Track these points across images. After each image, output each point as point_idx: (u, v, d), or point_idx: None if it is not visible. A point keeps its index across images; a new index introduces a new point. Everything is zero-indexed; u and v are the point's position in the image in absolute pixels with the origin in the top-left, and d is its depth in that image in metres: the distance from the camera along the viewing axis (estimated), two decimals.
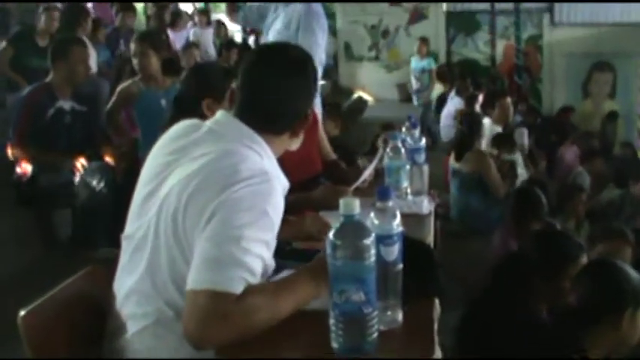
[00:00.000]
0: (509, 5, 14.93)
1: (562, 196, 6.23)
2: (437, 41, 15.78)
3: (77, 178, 4.87)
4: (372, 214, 1.87)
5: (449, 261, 4.86)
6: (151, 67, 5.32)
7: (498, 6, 15.05)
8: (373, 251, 1.73)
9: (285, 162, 3.30)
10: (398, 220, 1.87)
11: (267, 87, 2.12)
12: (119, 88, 5.60)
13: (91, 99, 5.49)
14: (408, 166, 3.21)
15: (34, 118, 5.02)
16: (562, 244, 3.25)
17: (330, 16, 16.03)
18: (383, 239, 1.84)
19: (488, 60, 15.37)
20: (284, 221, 2.03)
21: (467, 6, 15.64)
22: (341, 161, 3.93)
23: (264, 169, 1.99)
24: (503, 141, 6.90)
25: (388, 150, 3.18)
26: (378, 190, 1.88)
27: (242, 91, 2.14)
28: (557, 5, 15.10)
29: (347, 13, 15.96)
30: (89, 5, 9.93)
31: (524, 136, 7.33)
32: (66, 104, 5.14)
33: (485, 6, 15.26)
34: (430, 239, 2.84)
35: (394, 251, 1.86)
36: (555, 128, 10.64)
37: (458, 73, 12.08)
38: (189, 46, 9.10)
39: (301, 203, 3.07)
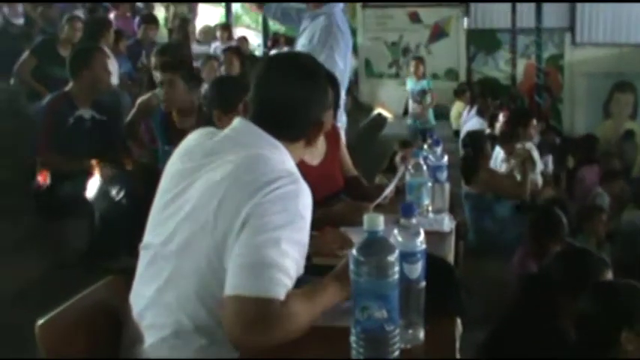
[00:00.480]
0: (531, 24, 14.91)
1: (582, 216, 6.19)
2: (457, 59, 15.81)
3: (96, 186, 4.84)
4: (395, 231, 1.85)
5: (468, 280, 4.85)
6: (176, 95, 5.14)
7: (519, 25, 15.03)
8: (397, 268, 1.71)
9: (307, 177, 3.32)
10: (422, 237, 1.85)
11: (280, 94, 2.12)
12: (139, 100, 5.61)
13: (112, 109, 5.50)
14: (429, 184, 3.18)
15: (55, 126, 5.04)
16: (586, 261, 3.21)
17: (352, 31, 16.07)
18: (406, 256, 1.82)
19: (509, 79, 15.33)
20: None
21: (488, 24, 15.64)
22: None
23: (290, 170, 2.01)
24: (515, 130, 6.89)
25: (410, 167, 3.16)
26: (402, 207, 1.86)
27: (255, 99, 2.15)
28: (578, 25, 15.08)
29: (368, 30, 16.00)
30: (112, 17, 10.05)
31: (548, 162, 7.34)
32: (86, 113, 5.15)
33: (507, 24, 15.24)
34: (451, 257, 2.82)
35: (417, 269, 1.84)
36: (577, 149, 10.56)
37: (478, 92, 12.00)
38: (209, 58, 9.14)
39: (322, 219, 3.05)
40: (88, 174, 4.87)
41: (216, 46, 11.63)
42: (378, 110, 15.04)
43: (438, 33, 15.88)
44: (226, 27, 13.08)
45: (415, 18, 16.04)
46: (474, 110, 10.75)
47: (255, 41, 15.08)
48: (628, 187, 8.23)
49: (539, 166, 6.90)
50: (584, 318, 2.73)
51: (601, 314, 2.67)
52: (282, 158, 2.06)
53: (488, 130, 8.78)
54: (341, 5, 4.57)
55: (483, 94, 11.43)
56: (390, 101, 15.76)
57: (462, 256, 4.27)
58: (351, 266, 1.71)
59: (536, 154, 6.86)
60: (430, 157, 3.28)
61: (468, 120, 10.59)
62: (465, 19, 15.72)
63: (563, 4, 15.06)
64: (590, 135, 11.43)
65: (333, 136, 3.65)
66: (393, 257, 1.69)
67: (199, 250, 1.94)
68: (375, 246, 1.70)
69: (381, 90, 16.07)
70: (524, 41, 15.25)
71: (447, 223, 3.14)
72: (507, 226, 5.83)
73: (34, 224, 5.27)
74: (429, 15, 15.92)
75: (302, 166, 3.33)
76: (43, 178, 4.99)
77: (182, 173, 2.09)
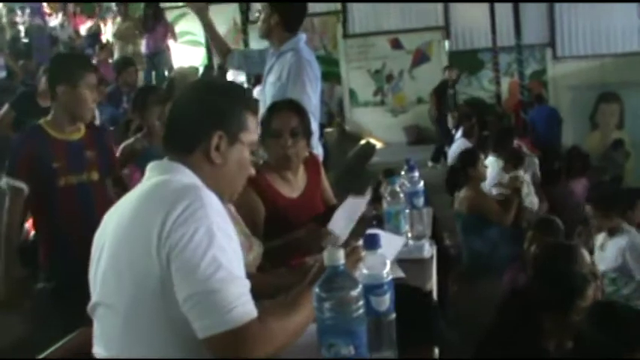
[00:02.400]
0: (512, 42, 15.04)
1: (571, 230, 6.16)
2: None
3: None
4: (360, 264, 1.82)
5: (460, 303, 4.82)
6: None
7: (500, 43, 15.14)
8: (361, 302, 1.67)
9: (287, 210, 3.30)
10: (388, 268, 1.82)
11: (176, 110, 2.14)
12: (122, 145, 5.57)
13: None
14: (407, 211, 3.16)
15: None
16: (567, 278, 3.18)
17: (334, 62, 16.22)
18: (373, 289, 1.80)
19: (494, 97, 15.43)
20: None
21: (469, 45, 15.75)
22: None
23: (183, 185, 1.93)
24: (509, 157, 6.88)
25: (386, 195, 3.14)
26: (366, 239, 1.84)
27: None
28: (558, 39, 15.21)
29: (350, 59, 16.07)
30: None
31: (535, 165, 7.31)
32: None
33: (487, 44, 15.35)
34: (432, 284, 2.78)
35: (385, 301, 1.81)
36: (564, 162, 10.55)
37: (464, 114, 12.03)
38: None
39: (286, 248, 3.10)
40: None
41: None
42: (365, 139, 15.11)
43: (420, 58, 15.96)
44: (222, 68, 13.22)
45: (396, 44, 16.13)
46: (460, 132, 10.74)
47: (239, 79, 15.10)
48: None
49: (529, 189, 6.88)
50: (584, 339, 2.70)
51: (603, 337, 2.63)
52: (178, 177, 1.99)
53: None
54: (304, 37, 4.57)
55: (468, 115, 11.44)
56: (378, 129, 15.82)
57: (452, 279, 4.25)
58: (314, 303, 1.68)
59: (531, 196, 6.85)
60: (406, 183, 3.25)
61: (455, 142, 10.58)
62: (446, 42, 15.82)
63: (542, 21, 15.21)
64: (575, 147, 11.44)
65: (313, 166, 3.64)
66: (356, 292, 1.66)
67: (123, 296, 1.89)
68: (337, 281, 1.67)
69: (367, 119, 16.10)
70: (507, 59, 15.38)
71: (427, 250, 3.12)
72: (498, 247, 5.79)
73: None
74: (410, 40, 16.01)
75: (281, 199, 3.34)
76: (27, 231, 4.91)
77: (104, 224, 2.07)
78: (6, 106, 7.18)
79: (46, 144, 3.82)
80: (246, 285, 1.84)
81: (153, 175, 2.04)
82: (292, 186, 3.46)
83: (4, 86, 8.25)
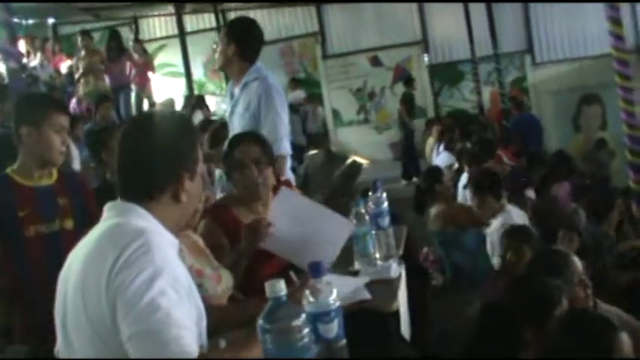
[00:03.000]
0: (490, 51, 15.13)
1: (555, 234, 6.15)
2: (424, 96, 15.96)
3: None
4: (307, 292, 1.84)
5: (446, 319, 4.81)
6: None
7: (479, 53, 15.23)
8: (306, 331, 1.68)
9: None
10: (334, 295, 1.84)
11: (130, 156, 2.09)
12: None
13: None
14: (373, 232, 3.17)
15: None
16: (541, 289, 3.18)
17: (315, 84, 16.30)
18: (320, 317, 1.81)
19: (476, 108, 15.52)
20: None
21: (448, 57, 15.85)
22: None
23: (135, 229, 1.94)
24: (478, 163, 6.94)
25: (352, 217, 3.16)
26: (310, 267, 1.85)
27: (116, 169, 2.13)
28: (536, 45, 15.36)
29: (331, 80, 16.16)
30: (72, 103, 10.15)
31: (531, 199, 7.37)
32: None
33: (466, 55, 15.43)
34: (398, 304, 2.79)
35: (334, 328, 1.82)
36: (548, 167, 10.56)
37: (445, 126, 12.07)
38: None
39: (241, 259, 3.14)
40: None
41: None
42: (352, 158, 15.16)
43: (401, 73, 16.03)
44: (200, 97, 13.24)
45: (376, 62, 16.25)
46: (442, 146, 10.77)
47: (222, 107, 15.15)
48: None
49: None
50: (556, 351, 2.70)
51: (575, 348, 2.63)
52: (133, 221, 1.99)
53: (456, 165, 8.78)
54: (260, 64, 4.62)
55: (451, 127, 11.48)
56: (363, 147, 15.87)
57: (433, 294, 4.25)
58: (259, 335, 1.69)
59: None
60: (370, 204, 3.26)
61: (437, 156, 10.61)
62: (425, 56, 15.92)
63: (519, 28, 15.34)
64: (560, 151, 11.47)
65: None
66: (298, 321, 1.67)
67: (83, 347, 1.92)
68: (279, 312, 1.68)
69: (352, 137, 16.18)
70: (486, 69, 15.49)
71: (395, 269, 3.12)
72: (478, 258, 5.78)
73: None
74: (390, 57, 16.15)
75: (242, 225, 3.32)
76: None
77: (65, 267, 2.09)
78: None
79: (10, 192, 3.50)
80: (187, 328, 1.83)
81: (110, 216, 2.05)
82: (260, 214, 3.45)
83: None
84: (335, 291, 1.85)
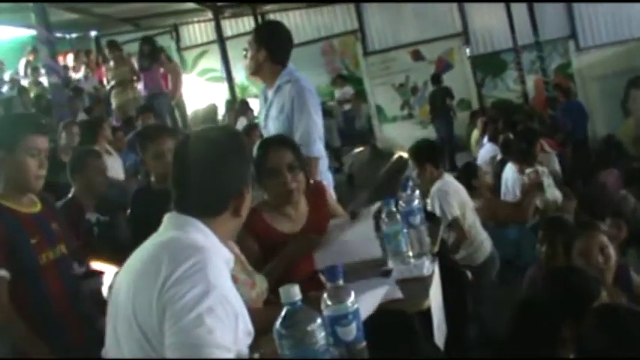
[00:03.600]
0: (532, 39, 14.94)
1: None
2: (467, 88, 15.84)
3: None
4: (325, 295, 1.84)
5: (484, 311, 4.76)
6: None
7: (521, 42, 15.06)
8: (322, 335, 1.69)
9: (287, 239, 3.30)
10: (352, 298, 1.83)
11: (191, 172, 2.13)
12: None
13: (115, 208, 5.45)
14: (405, 230, 3.15)
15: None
16: (579, 282, 3.12)
17: (357, 81, 16.29)
18: (338, 320, 1.81)
19: (521, 97, 15.31)
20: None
21: (490, 47, 15.70)
22: None
23: (195, 245, 2.00)
24: (521, 154, 6.83)
25: (383, 216, 3.14)
26: (327, 272, 1.85)
27: (173, 184, 2.18)
28: (579, 30, 15.09)
29: (373, 76, 16.12)
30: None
31: (555, 162, 7.23)
32: (92, 217, 5.03)
33: (508, 44, 15.27)
34: (429, 302, 2.77)
35: (352, 330, 1.83)
36: (597, 154, 10.39)
37: (489, 118, 11.94)
38: None
39: (282, 262, 3.15)
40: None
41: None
42: (398, 154, 15.06)
43: (443, 66, 15.94)
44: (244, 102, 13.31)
45: (418, 56, 16.17)
46: (486, 137, 10.64)
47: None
48: None
49: (549, 181, 6.77)
50: (587, 345, 2.64)
51: (605, 342, 2.57)
52: (193, 236, 2.05)
53: (499, 156, 8.67)
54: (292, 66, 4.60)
55: (494, 118, 11.35)
56: (409, 142, 15.69)
57: (467, 293, 4.20)
58: (276, 340, 1.70)
59: (552, 189, 6.76)
60: (401, 202, 3.25)
61: (481, 147, 10.48)
62: (467, 48, 15.78)
63: (561, 14, 15.08)
64: (608, 136, 11.28)
65: (316, 195, 3.61)
66: (313, 326, 1.68)
67: (130, 347, 1.97)
68: (295, 317, 1.70)
69: (397, 133, 16.08)
70: (529, 57, 15.29)
71: (427, 267, 3.08)
72: (521, 248, 5.71)
73: None
74: (431, 50, 16.04)
75: (281, 236, 3.33)
76: None
77: (127, 267, 2.13)
78: None
79: (15, 220, 3.28)
80: (226, 349, 1.86)
81: (169, 227, 2.11)
82: (293, 221, 3.44)
83: None
84: (353, 293, 1.85)
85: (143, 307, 1.91)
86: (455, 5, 15.68)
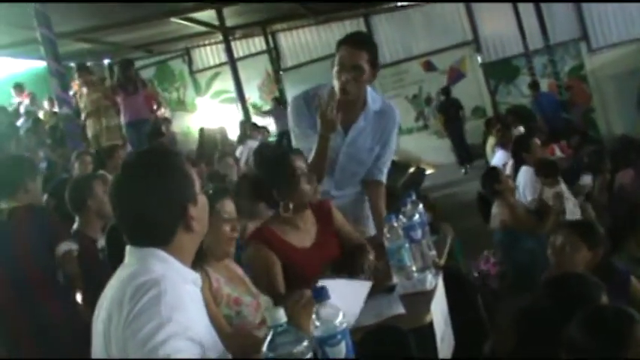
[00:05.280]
0: (543, 43, 14.92)
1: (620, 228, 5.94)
2: (481, 95, 15.82)
3: None
4: (313, 317, 1.85)
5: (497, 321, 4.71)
6: None
7: (532, 47, 15.04)
8: (309, 355, 1.71)
9: (302, 260, 3.31)
10: (340, 317, 1.84)
11: (130, 206, 2.09)
12: None
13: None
14: (407, 245, 3.15)
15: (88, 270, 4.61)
16: (578, 287, 3.09)
17: None
18: (326, 340, 1.82)
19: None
20: None
21: (501, 54, 15.67)
22: None
23: (147, 279, 1.98)
24: (545, 172, 6.77)
25: (385, 232, 3.15)
26: (314, 292, 1.87)
27: (117, 219, 2.15)
28: (591, 31, 15.04)
29: (386, 89, 16.10)
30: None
31: (587, 181, 7.22)
32: (101, 242, 4.80)
33: (519, 49, 15.24)
34: (430, 316, 2.78)
35: (341, 349, 1.83)
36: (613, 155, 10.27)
37: (503, 124, 11.88)
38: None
39: None
40: None
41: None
42: (415, 166, 15.05)
43: (456, 75, 15.96)
44: (253, 124, 13.34)
45: (429, 67, 16.19)
46: (499, 144, 10.59)
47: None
48: None
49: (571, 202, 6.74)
50: (575, 347, 2.63)
51: (591, 343, 2.55)
52: (152, 267, 2.03)
53: (510, 162, 8.62)
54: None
55: (506, 125, 11.29)
56: (426, 153, 15.78)
57: (478, 304, 4.16)
58: None
59: (572, 205, 6.73)
60: (402, 217, 3.26)
61: (495, 156, 10.43)
62: (478, 55, 15.77)
63: (570, 16, 15.06)
64: (623, 136, 11.18)
65: (324, 213, 3.64)
66: (301, 347, 1.69)
67: None
68: (280, 339, 1.71)
69: (414, 145, 16.07)
70: (541, 61, 15.26)
71: (430, 281, 3.09)
72: (538, 258, 5.64)
73: None
74: (442, 60, 16.06)
75: (294, 251, 3.35)
76: None
77: (100, 302, 2.15)
78: (45, 197, 7.34)
79: None
80: None
81: (130, 262, 2.10)
82: (303, 234, 3.48)
83: (46, 177, 8.44)
84: (341, 314, 1.86)
85: (116, 341, 1.93)
86: (464, 13, 15.69)
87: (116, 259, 2.86)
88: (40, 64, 9.13)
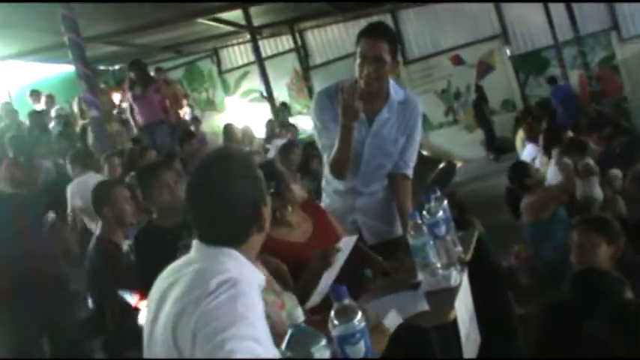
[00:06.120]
0: (572, 34, 14.77)
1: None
2: (510, 88, 15.71)
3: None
4: (331, 315, 1.86)
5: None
6: None
7: (561, 38, 14.89)
8: (327, 354, 1.72)
9: (301, 255, 3.31)
10: (359, 316, 1.85)
11: (209, 206, 2.15)
12: None
13: None
14: (431, 242, 3.14)
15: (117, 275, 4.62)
16: (600, 283, 3.07)
17: None
18: (346, 339, 1.83)
19: None
20: None
21: (530, 46, 15.55)
22: None
23: (228, 277, 2.02)
24: (573, 148, 6.74)
25: (409, 229, 3.14)
26: (332, 291, 1.87)
27: (192, 218, 2.20)
28: (621, 21, 14.87)
29: (414, 84, 16.03)
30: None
31: (617, 178, 7.17)
32: (125, 245, 4.84)
33: (549, 41, 15.10)
34: (454, 312, 2.76)
35: (361, 348, 1.84)
36: None
37: (534, 117, 11.79)
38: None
39: (308, 287, 3.07)
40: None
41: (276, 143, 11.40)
42: (445, 160, 14.99)
43: (485, 69, 15.87)
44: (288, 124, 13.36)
45: (458, 61, 16.11)
46: (528, 137, 10.51)
47: (309, 125, 15.28)
48: None
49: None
50: (599, 342, 2.61)
51: (615, 338, 2.54)
52: (227, 266, 2.08)
53: (540, 156, 8.54)
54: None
55: (536, 117, 11.21)
56: (456, 148, 15.70)
57: (508, 300, 4.13)
58: None
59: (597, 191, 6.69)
60: (425, 214, 3.24)
61: (524, 150, 10.35)
62: (507, 48, 15.65)
63: (600, 6, 14.91)
64: None
65: (313, 208, 3.68)
66: (318, 345, 1.71)
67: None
68: (299, 339, 1.73)
69: (444, 139, 16.02)
70: (571, 52, 15.10)
71: (455, 278, 3.08)
72: (569, 252, 5.59)
73: None
74: (471, 54, 15.97)
75: (289, 247, 3.34)
76: None
77: (159, 293, 2.19)
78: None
79: None
80: None
81: (204, 257, 2.14)
82: (294, 226, 3.48)
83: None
84: (360, 313, 1.86)
85: (183, 333, 1.96)
86: (492, 6, 15.58)
87: (145, 261, 2.87)
88: (70, 69, 9.16)
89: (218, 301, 1.93)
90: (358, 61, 3.69)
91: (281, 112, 14.66)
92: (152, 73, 10.86)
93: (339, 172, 3.86)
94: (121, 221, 4.82)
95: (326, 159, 3.92)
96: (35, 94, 12.68)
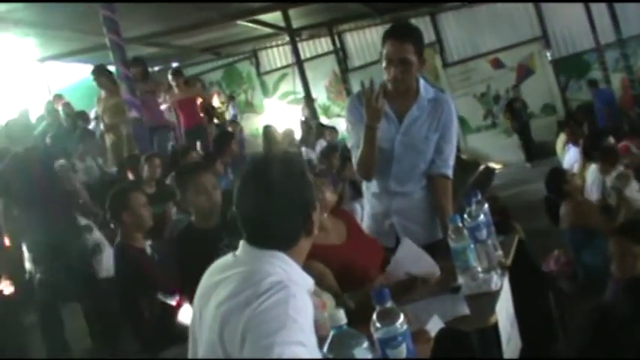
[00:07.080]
0: (615, 37, 14.58)
1: None
2: (550, 92, 15.56)
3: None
4: (374, 318, 1.85)
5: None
6: None
7: (603, 41, 14.69)
8: (369, 356, 1.72)
9: (338, 258, 3.30)
10: (401, 319, 1.84)
11: (261, 209, 2.15)
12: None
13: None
14: (472, 245, 3.12)
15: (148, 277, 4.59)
16: None
17: None
18: (388, 342, 1.82)
19: None
20: None
21: (571, 49, 15.39)
22: None
23: (279, 280, 2.03)
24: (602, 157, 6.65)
25: (450, 233, 3.12)
26: (375, 295, 1.87)
27: (240, 220, 2.19)
28: None
29: (454, 88, 15.98)
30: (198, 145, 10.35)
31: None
32: (147, 247, 4.79)
33: (590, 44, 14.92)
34: (495, 317, 2.74)
35: (402, 351, 1.83)
36: None
37: (575, 122, 11.64)
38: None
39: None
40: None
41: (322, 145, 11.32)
42: (484, 164, 14.89)
43: (524, 72, 15.74)
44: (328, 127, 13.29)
45: (497, 64, 16.00)
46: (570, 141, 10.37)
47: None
48: None
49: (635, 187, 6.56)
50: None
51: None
52: (274, 269, 2.09)
53: (581, 160, 8.43)
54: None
55: (579, 121, 11.07)
56: (494, 152, 15.59)
57: (549, 304, 4.09)
58: None
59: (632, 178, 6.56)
60: (466, 218, 3.22)
61: (567, 153, 10.21)
62: (548, 51, 15.51)
63: None
64: None
65: (344, 213, 3.72)
66: (360, 348, 1.70)
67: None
68: (341, 341, 1.72)
69: (482, 143, 15.94)
70: (613, 55, 14.89)
71: (495, 282, 3.05)
72: (610, 258, 5.50)
73: None
74: (511, 57, 15.85)
75: (326, 249, 3.33)
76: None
77: (203, 291, 2.21)
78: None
79: None
80: None
81: (253, 260, 2.14)
82: (329, 231, 3.49)
83: (116, 181, 8.56)
84: (402, 316, 1.85)
85: (231, 333, 1.97)
86: (532, 8, 15.46)
87: (186, 263, 2.87)
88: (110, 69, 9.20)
89: (269, 302, 1.93)
90: (384, 63, 3.67)
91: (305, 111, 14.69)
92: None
93: (364, 172, 3.86)
94: (139, 226, 4.75)
95: (354, 160, 3.91)
96: (57, 97, 12.81)
